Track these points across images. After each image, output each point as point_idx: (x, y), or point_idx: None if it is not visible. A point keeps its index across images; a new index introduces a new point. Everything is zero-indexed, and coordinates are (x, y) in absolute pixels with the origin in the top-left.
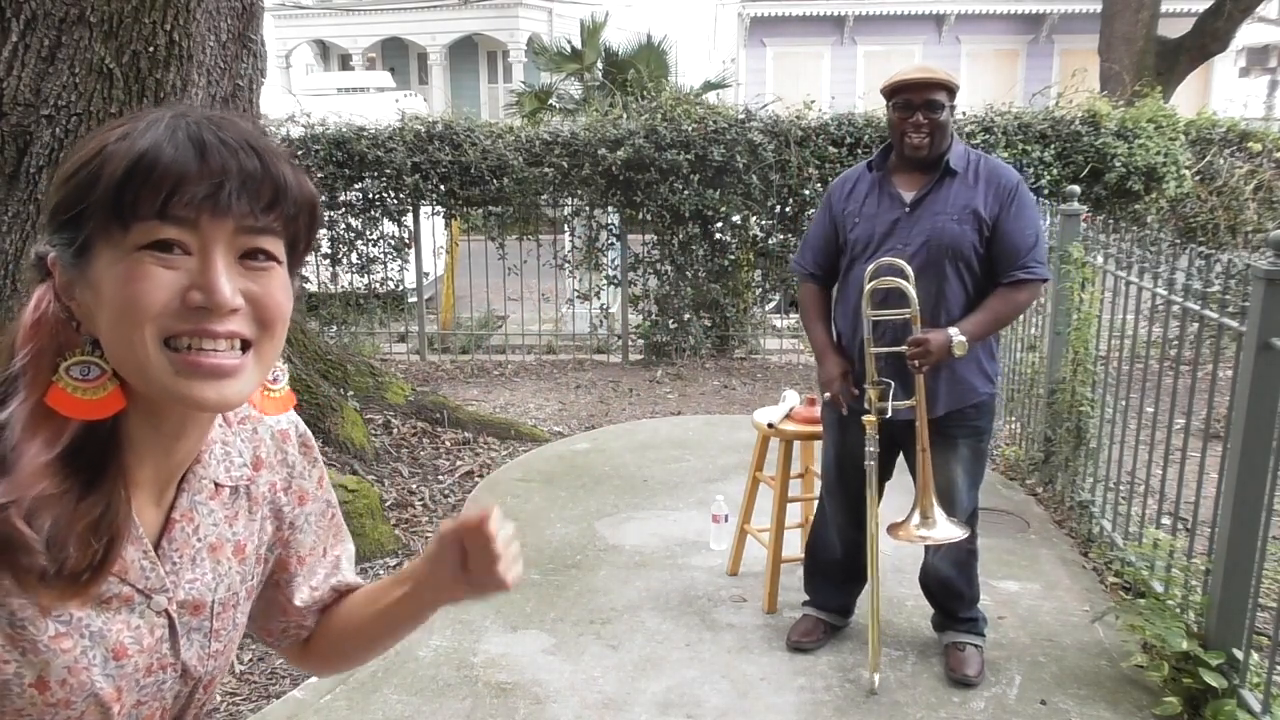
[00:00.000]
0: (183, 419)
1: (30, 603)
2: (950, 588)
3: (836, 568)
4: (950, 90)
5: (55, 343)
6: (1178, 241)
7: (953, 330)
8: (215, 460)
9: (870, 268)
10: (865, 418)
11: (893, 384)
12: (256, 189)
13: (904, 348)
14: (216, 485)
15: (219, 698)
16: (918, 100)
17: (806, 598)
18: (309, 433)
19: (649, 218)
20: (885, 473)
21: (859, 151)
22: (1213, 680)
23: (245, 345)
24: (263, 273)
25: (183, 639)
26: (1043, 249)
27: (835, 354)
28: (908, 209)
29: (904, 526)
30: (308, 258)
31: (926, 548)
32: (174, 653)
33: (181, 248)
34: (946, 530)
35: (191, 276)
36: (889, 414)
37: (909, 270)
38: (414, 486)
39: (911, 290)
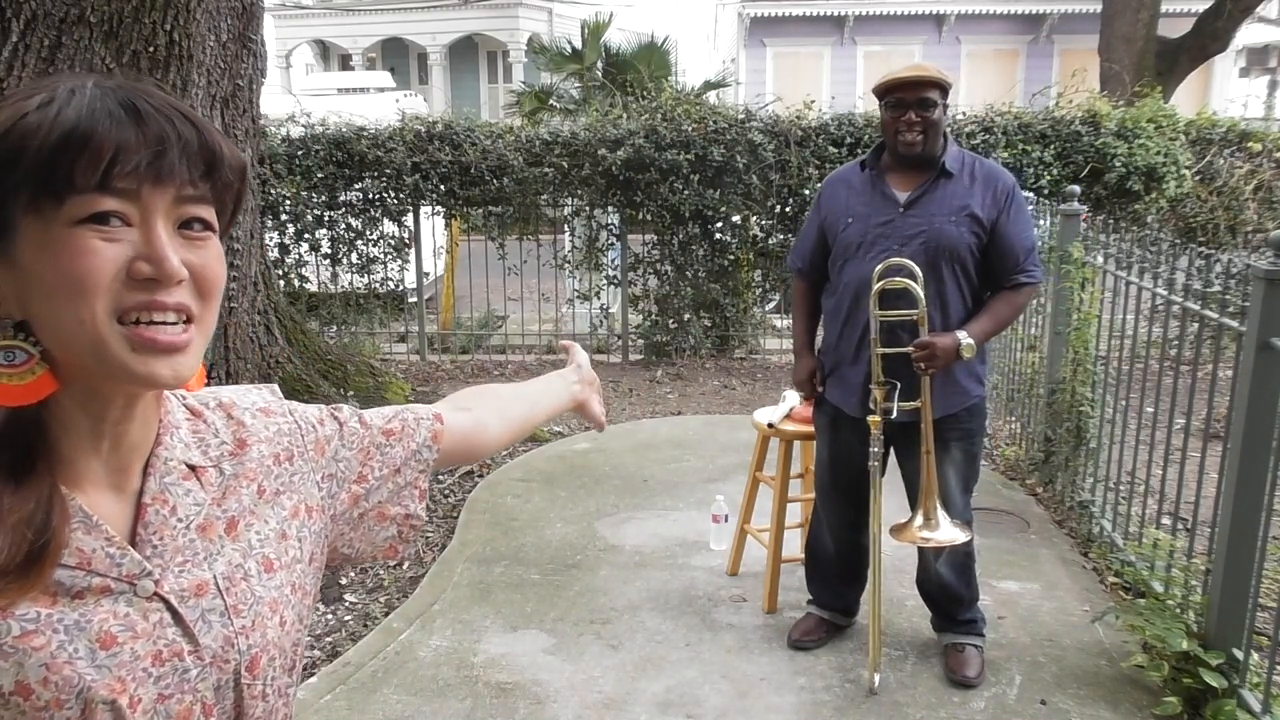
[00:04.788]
0: (128, 402)
1: None
2: (950, 591)
3: (833, 569)
4: (943, 88)
5: None
6: (1178, 241)
7: (960, 334)
8: (180, 444)
9: (879, 267)
10: (870, 418)
11: (898, 385)
12: (195, 156)
13: (910, 349)
14: (191, 467)
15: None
16: (910, 99)
17: (809, 597)
18: (270, 399)
19: (649, 218)
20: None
21: (859, 151)
22: (1213, 680)
23: (188, 319)
24: (201, 243)
25: (196, 622)
26: (1037, 250)
27: (807, 355)
28: (901, 209)
29: (907, 528)
30: (233, 227)
31: (924, 552)
32: (188, 638)
33: (121, 219)
34: (949, 533)
35: (135, 248)
36: (894, 415)
37: (918, 271)
38: None
39: (920, 291)
